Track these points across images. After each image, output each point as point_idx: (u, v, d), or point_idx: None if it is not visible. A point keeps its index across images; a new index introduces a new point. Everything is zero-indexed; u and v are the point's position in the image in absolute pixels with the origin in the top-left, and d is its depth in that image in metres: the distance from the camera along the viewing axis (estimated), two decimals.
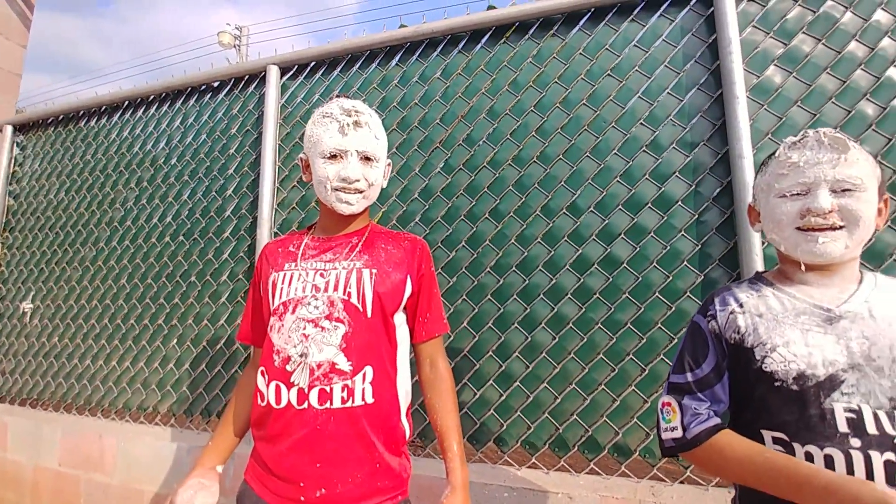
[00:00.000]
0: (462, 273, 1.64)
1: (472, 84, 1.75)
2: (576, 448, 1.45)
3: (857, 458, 0.63)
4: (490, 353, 1.57)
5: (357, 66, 1.95)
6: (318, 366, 0.84)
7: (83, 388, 2.20)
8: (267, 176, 1.92)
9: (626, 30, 1.61)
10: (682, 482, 1.36)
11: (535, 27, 1.71)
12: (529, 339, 1.53)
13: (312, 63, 2.02)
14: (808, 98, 1.41)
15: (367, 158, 0.94)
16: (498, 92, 1.71)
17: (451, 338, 1.61)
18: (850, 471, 0.63)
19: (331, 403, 0.83)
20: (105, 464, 1.98)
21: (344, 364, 0.85)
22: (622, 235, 1.49)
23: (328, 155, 0.92)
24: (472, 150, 1.70)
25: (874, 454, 0.63)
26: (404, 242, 1.01)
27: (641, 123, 1.54)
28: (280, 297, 0.91)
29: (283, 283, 0.92)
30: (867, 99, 1.39)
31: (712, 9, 1.51)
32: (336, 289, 0.89)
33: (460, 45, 1.80)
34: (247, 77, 2.15)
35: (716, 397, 0.77)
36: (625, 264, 1.48)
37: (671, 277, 1.44)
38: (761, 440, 0.71)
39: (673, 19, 1.57)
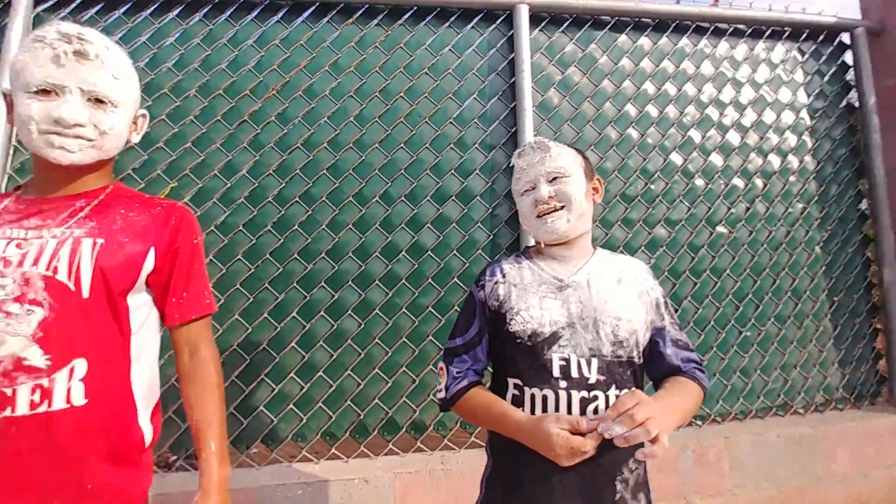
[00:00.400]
0: (267, 259, 1.39)
1: (290, 58, 1.49)
2: (376, 432, 1.37)
3: (563, 396, 0.73)
4: (293, 344, 1.37)
5: (148, 11, 1.47)
6: None
7: None
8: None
9: (444, 34, 1.58)
10: (468, 447, 1.40)
11: (360, 12, 1.54)
12: (335, 326, 1.39)
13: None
14: (574, 119, 1.58)
15: (99, 101, 0.69)
16: (317, 71, 1.50)
17: (250, 330, 1.36)
18: (557, 406, 0.73)
19: (12, 410, 0.59)
20: None
21: (37, 358, 0.61)
22: (428, 224, 1.46)
23: (34, 89, 0.66)
24: (285, 128, 1.45)
25: (573, 392, 0.73)
26: (155, 209, 0.76)
27: (451, 122, 1.52)
28: None
29: None
30: (612, 126, 1.62)
31: (512, 31, 1.56)
32: (36, 263, 0.64)
33: (280, 15, 1.51)
34: None
35: (476, 357, 0.83)
36: (430, 251, 1.45)
37: (468, 264, 1.46)
38: (507, 386, 0.79)
39: (482, 32, 1.59)
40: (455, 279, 1.46)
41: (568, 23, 1.64)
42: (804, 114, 1.86)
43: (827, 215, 1.85)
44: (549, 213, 0.80)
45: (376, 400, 1.37)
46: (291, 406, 1.34)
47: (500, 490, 0.78)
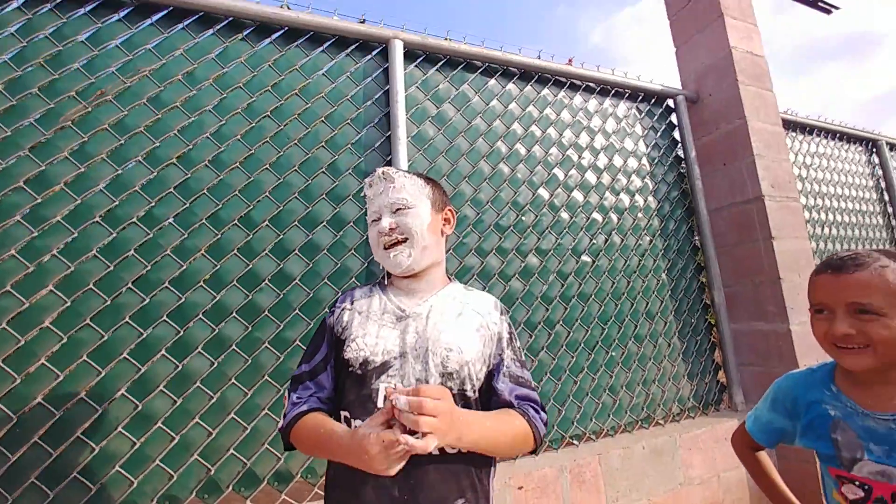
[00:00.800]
0: (89, 290, 1.19)
1: (131, 61, 1.37)
2: (230, 488, 1.20)
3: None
4: (122, 391, 1.17)
5: None
6: None
7: None
8: None
9: (317, 58, 1.60)
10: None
11: (223, 24, 1.50)
12: (180, 367, 1.22)
13: None
14: (449, 152, 1.70)
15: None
16: (168, 80, 1.39)
17: (61, 378, 1.13)
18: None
19: None
20: None
21: None
22: (296, 251, 1.40)
23: None
24: (121, 139, 1.31)
25: (395, 424, 0.71)
26: None
27: (323, 146, 1.53)
28: None
29: None
30: (484, 160, 1.77)
31: (388, 63, 1.65)
32: None
33: (122, 13, 1.40)
34: None
35: (320, 385, 0.81)
36: (297, 280, 1.38)
37: (340, 293, 1.41)
38: (340, 419, 0.76)
39: (357, 61, 1.65)
40: (327, 310, 1.40)
41: (442, 62, 1.80)
42: (644, 161, 2.27)
43: (668, 247, 2.22)
44: (392, 246, 0.82)
45: (231, 450, 1.21)
46: (118, 468, 1.11)
47: (340, 493, 0.75)
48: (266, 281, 1.36)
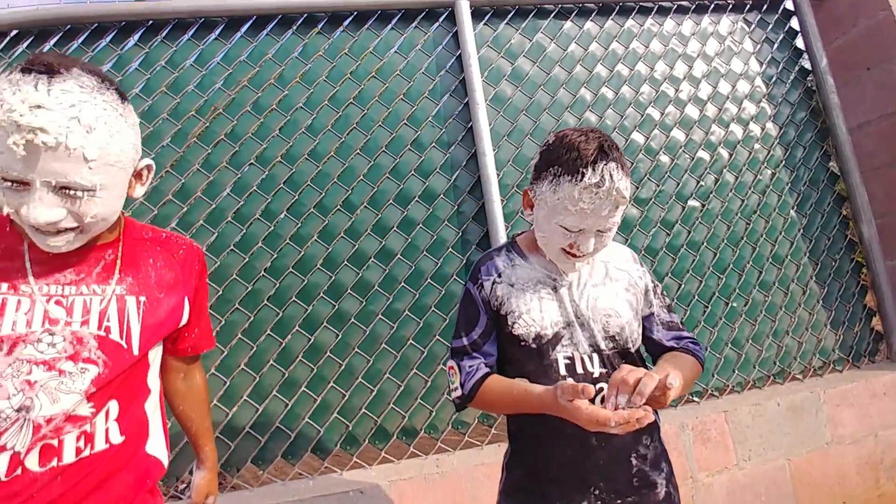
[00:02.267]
0: (234, 280, 1.54)
1: (231, 74, 1.68)
2: (366, 441, 1.51)
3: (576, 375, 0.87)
4: (271, 361, 1.51)
5: (80, 40, 1.64)
6: (48, 421, 0.66)
7: None
8: None
9: (387, 36, 1.79)
10: (462, 448, 1.54)
11: (299, 22, 1.75)
12: (312, 340, 1.54)
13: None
14: (529, 109, 1.80)
15: (72, 190, 0.64)
16: (263, 85, 1.68)
17: (226, 353, 1.50)
18: None
19: (58, 461, 0.67)
20: None
21: (85, 409, 0.69)
22: (395, 228, 1.63)
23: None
24: (236, 146, 1.63)
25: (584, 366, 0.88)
26: (178, 253, 0.85)
27: (405, 124, 1.72)
28: None
29: None
30: (569, 111, 1.84)
31: (456, 27, 1.78)
32: (86, 322, 0.71)
33: (216, 32, 1.71)
34: None
35: (486, 353, 0.94)
36: (399, 255, 1.62)
37: (439, 264, 1.63)
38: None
39: (426, 32, 1.81)
40: (428, 280, 1.63)
41: (511, 14, 1.88)
42: (759, 82, 2.14)
43: (797, 178, 2.10)
44: (577, 258, 0.86)
45: (363, 410, 1.52)
46: (278, 424, 1.47)
47: (521, 472, 0.93)
48: (372, 258, 1.62)
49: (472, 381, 0.89)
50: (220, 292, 1.53)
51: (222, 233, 1.57)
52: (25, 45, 1.63)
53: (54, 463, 0.66)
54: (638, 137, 1.94)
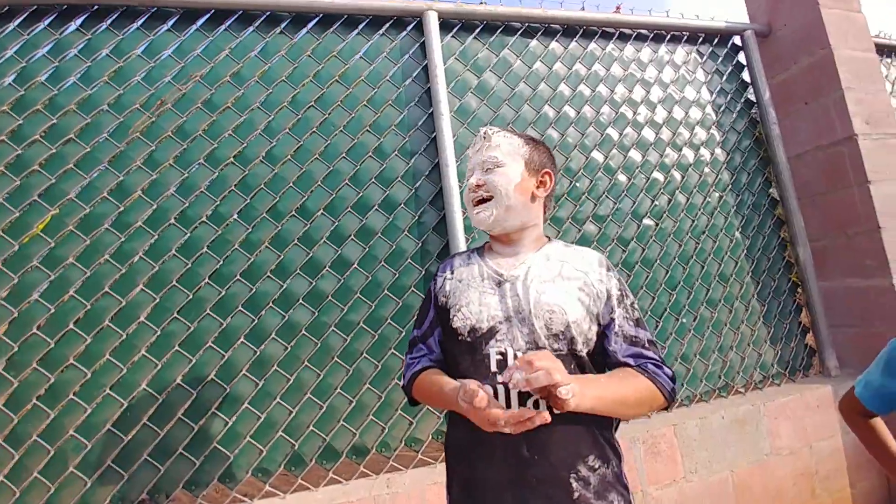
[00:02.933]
0: (173, 287, 1.39)
1: (184, 68, 1.55)
2: (313, 461, 1.39)
3: (501, 390, 0.79)
4: (212, 376, 1.37)
5: (16, 22, 1.46)
6: None
7: None
8: None
9: (353, 41, 1.71)
10: (415, 466, 1.45)
11: (261, 20, 1.64)
12: (258, 353, 1.41)
13: None
14: (494, 122, 1.76)
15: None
16: (218, 82, 1.55)
17: (160, 367, 1.34)
18: (497, 400, 0.78)
19: None
20: None
21: None
22: (352, 237, 1.54)
23: None
24: (184, 143, 1.49)
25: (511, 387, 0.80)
26: None
27: (368, 131, 1.64)
28: None
29: None
30: (532, 127, 1.81)
31: (423, 38, 1.72)
32: None
33: (169, 23, 1.57)
34: None
35: (430, 348, 0.94)
36: (355, 265, 1.52)
37: (398, 274, 1.55)
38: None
39: (393, 39, 1.74)
40: (386, 291, 1.54)
41: (479, 29, 1.84)
42: (709, 110, 2.20)
43: (742, 202, 2.16)
44: (479, 204, 0.89)
45: (310, 427, 1.39)
46: (215, 444, 1.33)
47: (459, 490, 0.86)
48: (327, 267, 1.51)
49: (410, 373, 0.92)
50: (157, 300, 1.38)
51: (164, 235, 1.42)
52: None
53: None
54: (597, 156, 1.93)
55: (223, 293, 1.43)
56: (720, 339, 1.97)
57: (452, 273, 0.93)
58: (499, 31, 1.88)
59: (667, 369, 0.84)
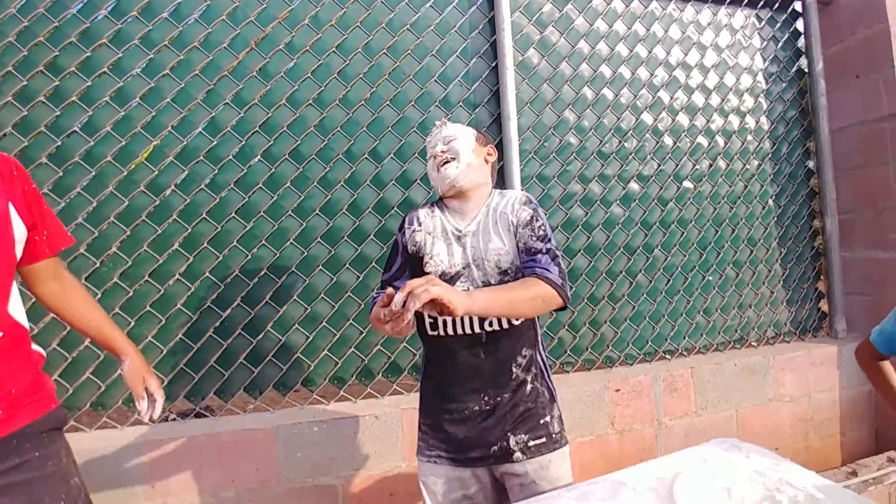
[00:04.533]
0: (261, 217, 1.50)
1: (266, 9, 1.55)
2: (380, 374, 1.54)
3: (465, 318, 0.98)
4: (295, 297, 1.50)
5: None
6: None
7: None
8: None
9: None
10: None
11: None
12: (334, 280, 1.53)
13: None
14: (553, 79, 1.75)
15: None
16: (297, 25, 1.56)
17: (251, 286, 1.47)
18: (463, 323, 0.99)
19: None
20: None
21: None
22: (417, 181, 1.60)
23: None
24: (268, 84, 1.53)
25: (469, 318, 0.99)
26: None
27: (436, 81, 1.65)
28: None
29: None
30: (588, 86, 1.81)
31: None
32: None
33: None
34: None
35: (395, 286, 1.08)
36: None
37: (406, 215, 1.62)
38: (424, 317, 1.02)
39: None
40: None
41: None
42: (760, 77, 2.14)
43: (779, 171, 2.16)
44: (443, 164, 1.04)
45: (378, 346, 1.54)
46: (299, 354, 1.48)
47: (430, 385, 1.07)
48: (395, 208, 1.59)
49: (373, 303, 1.02)
50: (248, 227, 1.49)
51: (251, 170, 1.50)
52: None
53: None
54: (647, 118, 1.93)
55: (304, 225, 1.53)
56: (741, 297, 2.05)
57: (420, 226, 1.06)
58: None
59: (553, 267, 0.94)
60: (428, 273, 1.00)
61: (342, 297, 1.53)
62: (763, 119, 2.13)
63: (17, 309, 0.84)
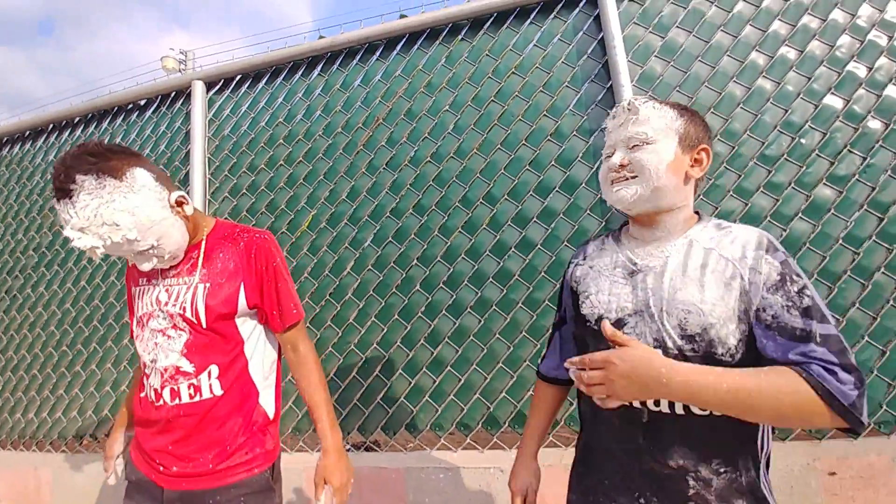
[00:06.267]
0: (392, 267, 1.61)
1: (389, 88, 1.76)
2: (507, 424, 1.43)
3: None
4: (422, 341, 1.54)
5: (281, 77, 1.91)
6: (165, 370, 0.90)
7: (16, 421, 2.01)
8: (197, 189, 1.84)
9: (526, 31, 1.67)
10: None
11: (444, 32, 1.74)
12: (457, 324, 1.52)
13: (238, 77, 1.97)
14: (685, 84, 1.49)
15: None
16: (414, 94, 1.72)
17: (385, 330, 1.57)
18: None
19: (180, 399, 0.90)
20: (42, 497, 1.80)
21: (187, 366, 0.90)
22: (535, 219, 1.52)
23: None
24: (393, 150, 1.70)
25: None
26: (239, 245, 0.95)
27: (545, 115, 1.58)
28: (136, 312, 0.97)
29: (137, 299, 0.97)
30: (734, 81, 1.48)
31: (598, 10, 1.57)
32: (175, 304, 0.91)
33: (377, 53, 1.80)
34: (173, 94, 2.06)
35: (564, 336, 0.91)
36: (539, 245, 1.50)
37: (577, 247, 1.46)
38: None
39: (565, 20, 1.63)
40: None
41: None
42: None
43: None
44: (618, 182, 0.76)
45: (503, 393, 1.45)
46: (427, 398, 1.50)
47: (580, 461, 0.83)
48: (513, 248, 1.52)
49: (541, 369, 0.96)
50: (382, 278, 1.62)
51: (383, 225, 1.65)
52: (246, 86, 1.94)
53: (178, 401, 0.89)
54: (833, 101, 1.44)
55: (427, 272, 1.58)
56: None
57: (585, 259, 0.85)
58: None
59: (844, 374, 0.58)
60: (583, 315, 0.78)
61: (465, 341, 1.51)
62: None
63: (256, 368, 0.95)
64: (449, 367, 1.51)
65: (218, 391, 0.91)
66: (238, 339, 0.94)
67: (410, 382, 1.54)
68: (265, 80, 1.93)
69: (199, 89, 1.94)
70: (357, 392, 1.58)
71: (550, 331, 0.96)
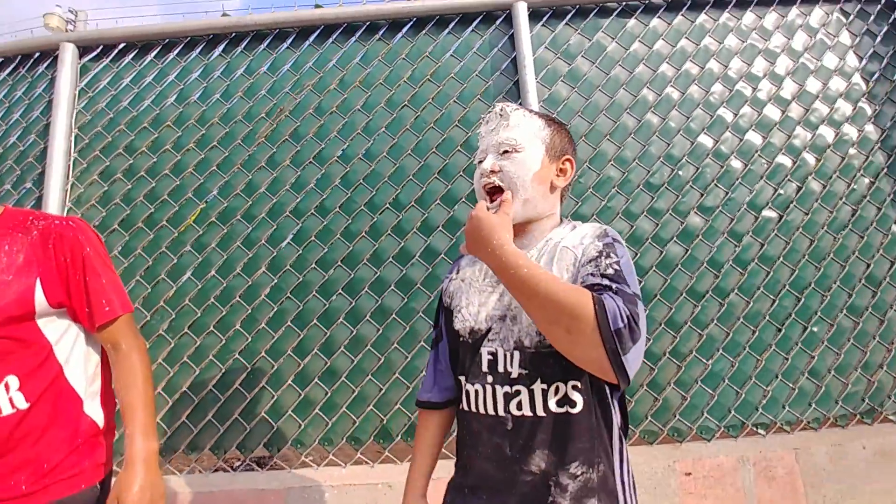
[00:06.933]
0: (287, 270, 1.49)
1: (298, 80, 1.64)
2: (399, 437, 1.38)
3: (489, 391, 0.72)
4: (315, 350, 1.44)
5: (175, 52, 1.69)
6: None
7: None
8: (57, 168, 1.56)
9: (444, 40, 1.66)
10: None
11: (361, 30, 1.67)
12: (355, 332, 1.44)
13: (122, 45, 1.71)
14: (586, 110, 1.57)
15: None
16: (325, 89, 1.62)
17: (275, 338, 1.44)
18: (485, 401, 0.72)
19: None
20: None
21: None
22: (440, 228, 1.49)
23: None
24: (298, 145, 1.58)
25: (497, 387, 0.71)
26: (31, 235, 0.79)
27: (457, 125, 1.57)
28: None
29: None
30: (628, 113, 1.59)
31: (513, 29, 1.61)
32: None
33: (288, 41, 1.68)
34: (37, 55, 1.74)
35: (439, 354, 0.87)
36: (443, 255, 1.48)
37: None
38: (461, 384, 0.79)
39: (482, 35, 1.65)
40: None
41: (571, 14, 1.66)
42: (857, 79, 1.72)
43: None
44: (492, 192, 0.76)
45: (398, 405, 1.39)
46: (317, 411, 1.39)
47: (452, 492, 0.80)
48: (417, 257, 1.49)
49: (421, 398, 0.88)
50: (275, 281, 1.48)
51: (281, 225, 1.53)
52: (131, 56, 1.70)
53: None
54: (706, 140, 1.62)
55: (326, 277, 1.48)
56: (865, 354, 1.53)
57: (458, 272, 0.83)
58: (592, 13, 1.67)
59: (626, 316, 0.60)
60: (457, 331, 0.77)
61: (362, 350, 1.43)
62: (869, 127, 1.68)
63: (75, 374, 0.80)
64: (343, 378, 1.42)
65: (22, 404, 0.75)
66: (44, 343, 0.78)
67: (300, 394, 1.42)
68: (155, 52, 1.70)
69: (69, 52, 1.66)
70: (239, 405, 1.42)
71: (433, 342, 0.91)
